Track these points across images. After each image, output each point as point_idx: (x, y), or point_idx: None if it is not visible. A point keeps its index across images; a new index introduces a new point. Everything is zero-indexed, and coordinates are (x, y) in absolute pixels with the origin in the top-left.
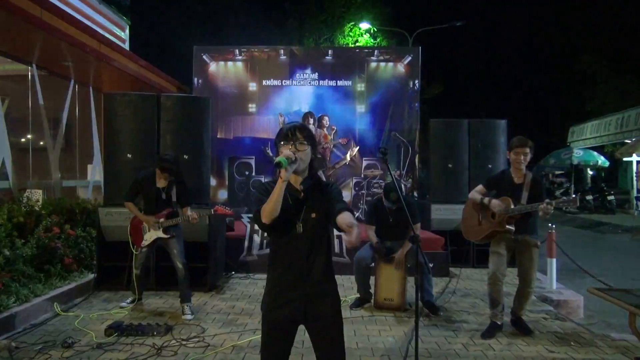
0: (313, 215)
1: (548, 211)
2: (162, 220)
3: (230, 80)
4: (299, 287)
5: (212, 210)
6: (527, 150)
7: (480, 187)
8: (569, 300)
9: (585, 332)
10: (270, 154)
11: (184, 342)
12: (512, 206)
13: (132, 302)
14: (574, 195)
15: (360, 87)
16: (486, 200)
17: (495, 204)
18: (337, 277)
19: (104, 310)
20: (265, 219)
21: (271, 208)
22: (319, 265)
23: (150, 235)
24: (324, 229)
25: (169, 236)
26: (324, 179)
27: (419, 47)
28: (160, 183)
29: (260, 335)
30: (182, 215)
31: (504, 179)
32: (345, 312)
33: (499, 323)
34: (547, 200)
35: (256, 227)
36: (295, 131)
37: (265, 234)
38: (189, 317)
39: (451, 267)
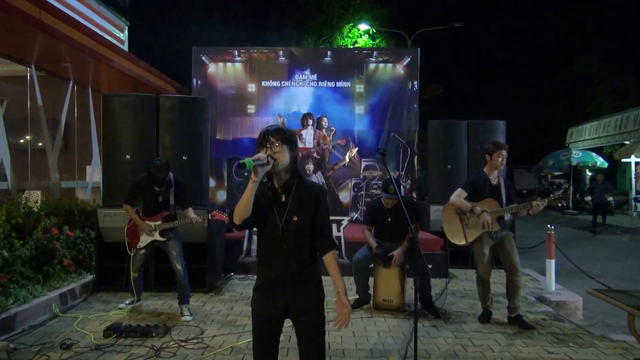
0: (295, 218)
1: (537, 209)
2: (159, 223)
3: (229, 81)
4: (278, 286)
5: (210, 215)
6: (504, 152)
7: (461, 191)
8: (568, 301)
9: (584, 333)
10: (240, 161)
11: (182, 344)
12: (498, 207)
13: (131, 303)
14: (562, 190)
15: (359, 88)
16: (477, 210)
17: (486, 215)
18: None
19: (102, 312)
20: (236, 220)
21: (241, 209)
22: (299, 264)
23: (147, 237)
24: (305, 231)
25: (165, 239)
26: (319, 179)
27: (418, 48)
28: (158, 186)
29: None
30: (181, 217)
31: (481, 182)
32: None
33: (490, 310)
34: (539, 199)
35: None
36: (268, 135)
37: None
38: (187, 318)
39: (450, 268)
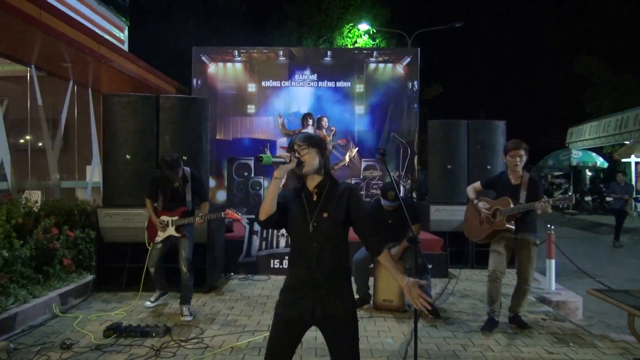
0: (325, 215)
1: (546, 209)
2: (175, 218)
3: (229, 81)
4: (308, 287)
5: (223, 213)
6: (522, 152)
7: (477, 184)
8: (568, 301)
9: (584, 333)
10: (258, 155)
11: (182, 344)
12: (512, 205)
13: (157, 299)
14: (570, 193)
15: (359, 88)
16: (475, 201)
17: (481, 205)
18: None
19: (102, 312)
20: (261, 216)
21: (265, 206)
22: (329, 266)
23: (164, 232)
24: (336, 230)
25: (180, 235)
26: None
27: (418, 48)
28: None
29: (262, 335)
30: (196, 213)
31: (500, 181)
32: None
33: (496, 319)
34: (545, 199)
35: (255, 228)
36: (296, 139)
37: (270, 235)
38: (187, 318)
39: (450, 268)
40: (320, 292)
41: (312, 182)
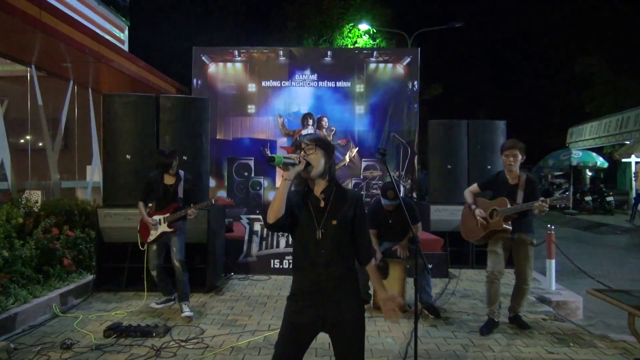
0: (333, 222)
1: (543, 209)
2: (167, 215)
3: (229, 81)
4: (317, 293)
5: (213, 200)
6: (517, 152)
7: (474, 186)
8: (568, 301)
9: (585, 333)
10: (269, 155)
11: (182, 343)
12: (509, 206)
13: (163, 303)
14: (567, 193)
15: (360, 88)
16: (472, 206)
17: (478, 212)
18: None
19: (103, 312)
20: (269, 219)
21: (274, 207)
22: (338, 272)
23: (156, 231)
24: (344, 236)
25: (172, 230)
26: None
27: (418, 48)
28: (167, 180)
29: (262, 335)
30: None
31: (497, 181)
32: None
33: (495, 320)
34: (542, 198)
35: (255, 228)
36: (304, 139)
37: (270, 235)
38: (188, 313)
39: (450, 268)
40: (330, 298)
41: (319, 187)
